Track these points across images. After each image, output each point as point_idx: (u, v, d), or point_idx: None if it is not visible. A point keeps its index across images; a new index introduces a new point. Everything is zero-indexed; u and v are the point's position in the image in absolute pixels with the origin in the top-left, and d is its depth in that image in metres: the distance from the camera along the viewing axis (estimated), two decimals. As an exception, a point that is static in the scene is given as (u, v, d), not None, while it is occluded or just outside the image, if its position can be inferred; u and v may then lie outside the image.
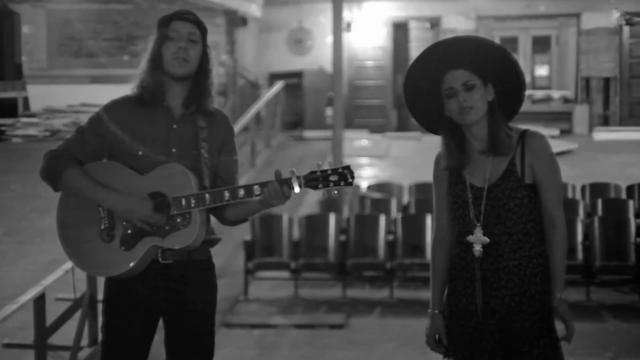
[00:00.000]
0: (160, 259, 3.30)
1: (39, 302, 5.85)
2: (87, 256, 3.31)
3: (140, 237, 3.25)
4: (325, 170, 3.22)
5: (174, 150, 3.32)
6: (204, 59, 3.36)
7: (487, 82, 3.20)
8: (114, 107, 3.36)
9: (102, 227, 3.28)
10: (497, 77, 3.20)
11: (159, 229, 3.24)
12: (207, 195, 3.22)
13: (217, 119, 3.43)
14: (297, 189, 3.20)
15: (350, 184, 3.23)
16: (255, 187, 3.21)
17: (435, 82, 3.22)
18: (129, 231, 3.25)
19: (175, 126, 3.35)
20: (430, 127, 3.36)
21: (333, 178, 3.21)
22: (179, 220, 3.24)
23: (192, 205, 3.21)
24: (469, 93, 3.16)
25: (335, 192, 3.26)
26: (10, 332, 6.72)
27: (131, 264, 3.24)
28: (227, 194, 3.22)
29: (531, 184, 3.20)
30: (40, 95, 16.74)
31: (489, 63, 3.18)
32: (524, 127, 3.35)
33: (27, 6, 16.56)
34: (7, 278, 8.58)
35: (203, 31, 3.36)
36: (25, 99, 16.97)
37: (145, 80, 3.33)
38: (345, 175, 3.22)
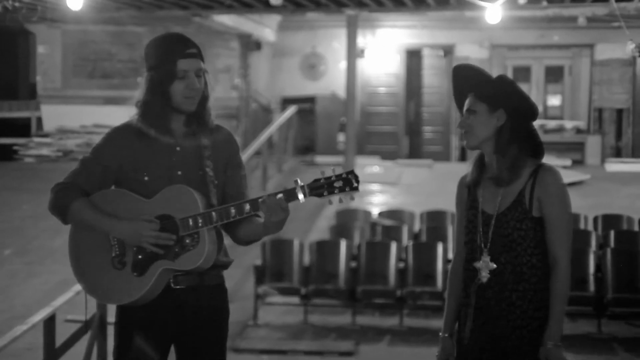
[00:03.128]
0: (172, 284, 3.27)
1: (49, 323, 5.84)
2: (102, 286, 3.30)
3: (151, 261, 3.22)
4: (329, 177, 3.17)
5: (179, 172, 3.29)
6: (205, 85, 3.32)
7: (497, 108, 3.21)
8: (116, 136, 3.33)
9: (113, 254, 3.26)
10: (509, 105, 3.20)
11: (169, 251, 3.21)
12: (213, 214, 3.19)
13: (220, 135, 3.40)
14: (301, 198, 3.16)
15: (356, 188, 3.14)
16: (260, 199, 3.17)
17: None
18: (140, 256, 3.23)
19: (178, 148, 3.31)
20: None
21: (337, 184, 3.15)
22: (187, 241, 3.21)
23: (200, 224, 3.19)
24: (467, 118, 3.23)
25: (342, 199, 3.17)
26: (19, 353, 6.71)
27: (145, 290, 3.22)
28: (233, 210, 3.18)
29: (539, 217, 3.18)
30: (53, 116, 16.79)
31: (498, 92, 3.20)
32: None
33: (43, 27, 16.64)
34: (18, 298, 8.57)
35: (203, 59, 3.31)
36: (39, 119, 17.04)
37: (151, 116, 3.26)
38: (350, 180, 3.15)
